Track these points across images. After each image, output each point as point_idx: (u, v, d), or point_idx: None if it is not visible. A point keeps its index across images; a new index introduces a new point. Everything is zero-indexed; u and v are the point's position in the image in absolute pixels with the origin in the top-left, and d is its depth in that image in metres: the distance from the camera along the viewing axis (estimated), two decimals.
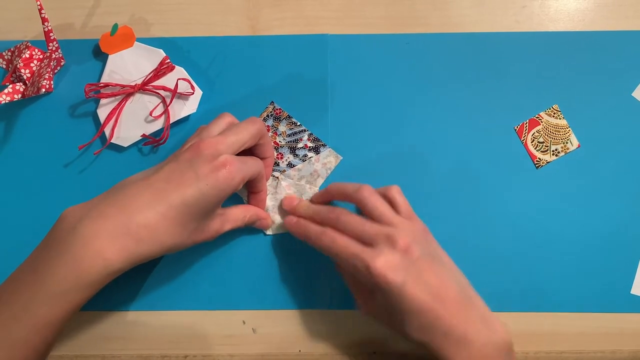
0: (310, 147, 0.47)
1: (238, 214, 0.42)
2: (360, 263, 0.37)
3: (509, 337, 0.37)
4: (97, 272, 0.34)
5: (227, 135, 0.39)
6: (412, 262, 0.37)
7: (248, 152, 0.42)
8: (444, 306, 0.36)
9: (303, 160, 0.46)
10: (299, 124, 0.47)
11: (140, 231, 0.35)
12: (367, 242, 0.38)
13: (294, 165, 0.46)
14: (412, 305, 0.36)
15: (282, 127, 0.47)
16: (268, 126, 0.47)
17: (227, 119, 0.42)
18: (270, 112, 0.47)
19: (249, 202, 0.45)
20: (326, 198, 0.44)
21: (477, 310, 0.38)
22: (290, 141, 0.47)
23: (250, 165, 0.40)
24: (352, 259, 0.37)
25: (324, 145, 0.47)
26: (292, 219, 0.43)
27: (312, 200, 0.45)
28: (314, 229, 0.41)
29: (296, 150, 0.47)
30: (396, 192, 0.41)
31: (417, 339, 0.37)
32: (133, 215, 0.35)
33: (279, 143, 0.47)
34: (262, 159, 0.43)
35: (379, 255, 0.37)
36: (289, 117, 0.47)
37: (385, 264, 0.36)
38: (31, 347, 0.35)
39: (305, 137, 0.47)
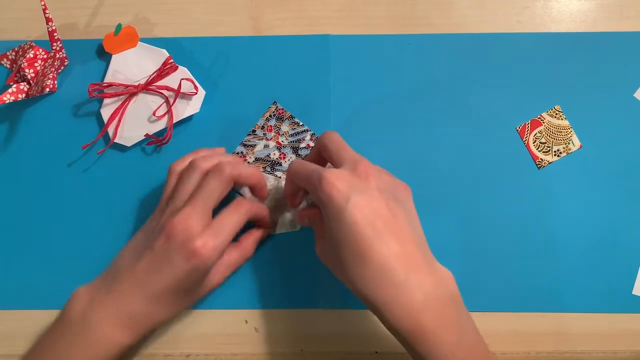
0: (312, 147, 0.47)
1: (235, 259, 0.43)
2: (316, 175, 0.35)
3: (456, 288, 0.35)
4: (110, 353, 0.38)
5: (193, 204, 0.38)
6: (366, 188, 0.35)
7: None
8: (387, 238, 0.33)
9: None
10: (301, 124, 0.47)
11: (135, 317, 0.38)
12: (337, 164, 0.37)
13: None
14: (351, 223, 0.33)
15: (285, 127, 0.47)
16: (270, 126, 0.47)
17: (200, 162, 0.41)
18: (273, 112, 0.47)
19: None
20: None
21: (428, 261, 0.35)
22: (293, 141, 0.47)
23: (227, 230, 0.39)
24: (309, 176, 0.36)
25: None
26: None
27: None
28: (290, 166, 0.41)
29: (299, 150, 0.47)
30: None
31: (353, 280, 0.34)
32: (126, 305, 0.38)
33: (282, 143, 0.47)
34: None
35: (335, 170, 0.35)
36: (292, 117, 0.47)
37: (335, 178, 0.34)
38: None
39: (308, 137, 0.47)
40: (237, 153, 0.47)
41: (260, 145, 0.47)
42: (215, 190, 0.39)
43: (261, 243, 0.45)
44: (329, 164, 0.41)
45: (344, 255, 0.34)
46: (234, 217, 0.40)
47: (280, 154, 0.47)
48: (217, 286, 0.42)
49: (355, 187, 0.35)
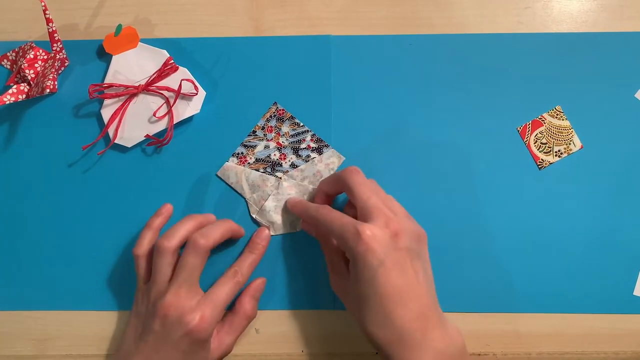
0: (313, 147, 0.47)
1: (241, 325, 0.43)
2: (352, 228, 0.37)
3: (463, 344, 0.38)
4: None
5: (177, 283, 0.39)
6: (396, 248, 0.37)
7: None
8: (410, 302, 0.36)
9: (306, 161, 0.46)
10: (302, 124, 0.47)
11: None
12: (365, 214, 0.39)
13: (297, 166, 0.46)
14: (382, 285, 0.36)
15: (285, 128, 0.47)
16: (270, 127, 0.47)
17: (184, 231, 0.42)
18: (273, 112, 0.47)
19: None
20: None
21: (440, 319, 0.38)
22: (294, 142, 0.47)
23: (221, 297, 0.40)
24: (344, 227, 0.38)
25: (327, 146, 0.47)
26: (295, 199, 0.45)
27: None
28: (313, 205, 0.43)
29: (299, 151, 0.47)
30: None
31: (373, 334, 0.37)
32: None
33: (282, 144, 0.47)
34: None
35: (370, 226, 0.37)
36: (292, 117, 0.47)
37: (373, 235, 0.37)
38: None
39: (308, 137, 0.47)
40: (238, 154, 0.47)
41: (260, 146, 0.47)
42: (195, 266, 0.40)
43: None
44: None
45: (367, 311, 0.37)
46: (227, 287, 0.41)
47: (280, 155, 0.47)
48: (228, 351, 0.43)
49: (388, 249, 0.37)
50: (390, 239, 0.37)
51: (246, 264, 0.43)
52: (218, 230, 0.42)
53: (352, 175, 0.41)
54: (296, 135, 0.47)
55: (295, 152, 0.47)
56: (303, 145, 0.47)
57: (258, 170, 0.46)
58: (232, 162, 0.47)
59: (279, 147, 0.47)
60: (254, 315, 0.44)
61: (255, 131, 0.47)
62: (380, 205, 0.39)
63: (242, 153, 0.47)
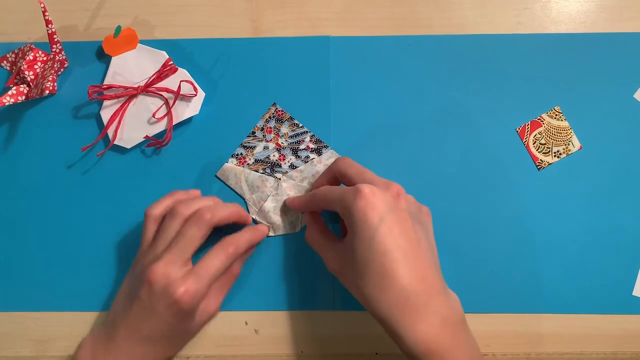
0: (312, 148, 0.47)
1: (229, 279, 0.44)
2: (351, 192, 0.36)
3: (462, 311, 0.37)
4: None
5: (172, 251, 0.39)
6: (397, 207, 0.36)
7: None
8: (412, 263, 0.35)
9: (305, 162, 0.47)
10: (301, 125, 0.47)
11: (136, 357, 0.40)
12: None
13: (296, 167, 0.46)
14: (381, 246, 0.35)
15: (284, 129, 0.47)
16: (270, 128, 0.47)
17: (169, 201, 0.43)
18: (273, 113, 0.47)
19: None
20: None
21: (443, 286, 0.36)
22: (293, 142, 0.47)
23: (211, 272, 0.39)
24: (344, 191, 0.37)
25: (326, 147, 0.47)
26: (292, 197, 0.45)
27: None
28: (309, 193, 0.42)
29: (298, 152, 0.47)
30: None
31: (374, 299, 0.35)
32: (124, 350, 0.40)
33: (282, 145, 0.47)
34: None
35: (371, 186, 0.36)
36: (291, 118, 0.47)
37: (372, 194, 0.36)
38: None
39: (307, 138, 0.47)
40: (237, 155, 0.47)
41: (259, 147, 0.47)
42: (194, 238, 0.40)
43: (259, 246, 0.46)
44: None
45: (368, 275, 0.35)
46: (218, 259, 0.40)
47: (279, 156, 0.47)
48: (215, 314, 0.44)
49: (388, 206, 0.36)
50: (391, 198, 0.36)
51: (244, 239, 0.42)
52: (226, 210, 0.42)
53: (342, 161, 0.41)
54: (295, 136, 0.47)
55: (295, 153, 0.47)
56: (302, 146, 0.47)
57: (257, 171, 0.46)
58: (231, 163, 0.47)
59: (278, 148, 0.47)
60: (238, 275, 0.44)
61: (255, 132, 0.47)
62: (378, 177, 0.39)
63: (241, 154, 0.47)
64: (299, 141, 0.47)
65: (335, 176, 0.42)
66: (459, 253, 0.45)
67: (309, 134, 0.47)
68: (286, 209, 0.46)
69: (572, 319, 0.45)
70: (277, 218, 0.46)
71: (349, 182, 0.40)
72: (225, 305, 0.45)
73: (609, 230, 0.46)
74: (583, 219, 0.46)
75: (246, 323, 0.45)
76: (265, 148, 0.47)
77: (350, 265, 0.37)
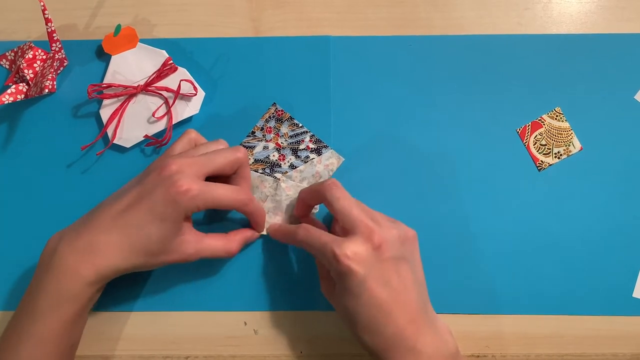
0: (312, 148, 0.47)
1: (219, 245, 0.41)
2: (329, 250, 0.37)
3: (456, 346, 0.38)
4: (74, 285, 0.38)
5: (197, 157, 0.40)
6: (379, 260, 0.37)
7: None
8: (399, 310, 0.37)
9: (305, 162, 0.46)
10: (300, 125, 0.47)
11: (103, 248, 0.38)
12: (348, 228, 0.38)
13: (296, 167, 0.46)
14: (368, 300, 0.36)
15: (284, 129, 0.47)
16: (269, 128, 0.47)
17: (191, 135, 0.43)
18: (272, 113, 0.47)
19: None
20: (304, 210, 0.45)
21: (430, 321, 0.38)
22: (292, 142, 0.47)
23: (218, 193, 0.39)
24: (323, 248, 0.38)
25: (326, 147, 0.47)
26: (274, 225, 0.44)
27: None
28: (292, 227, 0.42)
29: (298, 152, 0.47)
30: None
31: (366, 342, 0.37)
32: (97, 234, 0.38)
33: (281, 144, 0.47)
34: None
35: (349, 244, 0.37)
36: (291, 118, 0.47)
37: (352, 254, 0.37)
38: None
39: (307, 138, 0.47)
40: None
41: (259, 147, 0.47)
42: (221, 158, 0.40)
43: (249, 245, 0.45)
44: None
45: (356, 322, 0.37)
46: (228, 191, 0.40)
47: (279, 156, 0.47)
48: (188, 260, 0.40)
49: (370, 265, 0.37)
50: (373, 252, 0.37)
51: (257, 203, 0.42)
52: (249, 181, 0.43)
53: (331, 189, 0.40)
54: (295, 136, 0.47)
55: (294, 153, 0.47)
56: (302, 146, 0.47)
57: (257, 171, 0.46)
58: None
59: (278, 148, 0.47)
60: (234, 252, 0.42)
61: (254, 132, 0.47)
62: (363, 217, 0.38)
63: None
64: (299, 141, 0.47)
65: (321, 199, 0.41)
66: (459, 254, 0.45)
67: (308, 134, 0.47)
68: (285, 210, 0.46)
69: (572, 320, 0.45)
70: (275, 219, 0.46)
71: (335, 216, 0.40)
72: (224, 305, 0.45)
73: (609, 232, 0.45)
74: (583, 220, 0.46)
75: (245, 323, 0.45)
76: (265, 148, 0.47)
77: (341, 309, 0.39)
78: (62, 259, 0.38)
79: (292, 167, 0.46)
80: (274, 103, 0.47)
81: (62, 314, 0.37)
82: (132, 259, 0.39)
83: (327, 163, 0.46)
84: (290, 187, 0.46)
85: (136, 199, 0.38)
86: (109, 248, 0.38)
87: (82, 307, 0.38)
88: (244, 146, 0.47)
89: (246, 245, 0.45)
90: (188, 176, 0.38)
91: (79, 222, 0.40)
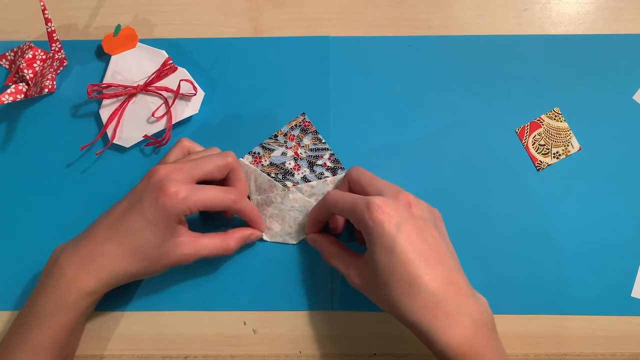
0: (329, 166, 0.46)
1: (216, 242, 0.41)
2: (361, 203, 0.36)
3: (491, 314, 0.37)
4: (72, 295, 0.38)
5: (185, 163, 0.40)
6: (411, 216, 0.36)
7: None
8: (438, 266, 0.35)
9: (319, 178, 0.46)
10: (323, 141, 0.47)
11: (102, 259, 0.39)
12: (374, 194, 0.38)
13: (308, 180, 0.46)
14: (402, 255, 0.35)
15: (307, 140, 0.47)
16: (293, 135, 0.47)
17: (183, 143, 0.44)
18: (299, 122, 0.47)
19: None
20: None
21: (471, 289, 0.36)
22: (311, 156, 0.46)
23: (206, 194, 0.39)
24: (355, 201, 0.37)
25: (342, 168, 0.46)
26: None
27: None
28: (318, 202, 0.43)
29: (314, 166, 0.46)
30: None
31: (402, 307, 0.35)
32: (96, 246, 0.39)
33: (300, 155, 0.46)
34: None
35: (381, 197, 0.36)
36: (316, 132, 0.47)
37: (384, 205, 0.36)
38: None
39: (327, 155, 0.46)
40: (254, 153, 0.46)
41: (278, 152, 0.46)
42: (208, 165, 0.41)
43: (251, 245, 0.45)
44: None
45: (394, 285, 0.35)
46: (218, 192, 0.40)
47: (295, 165, 0.46)
48: (187, 261, 0.40)
49: (402, 216, 0.36)
50: (403, 207, 0.37)
51: (248, 201, 0.43)
52: (244, 182, 0.44)
53: (355, 170, 0.42)
54: (315, 150, 0.47)
55: (310, 167, 0.46)
56: (319, 162, 0.46)
57: (269, 174, 0.46)
58: (246, 160, 0.46)
59: (296, 158, 0.46)
60: (231, 250, 0.42)
61: (277, 135, 0.47)
62: (389, 184, 0.39)
63: (258, 153, 0.46)
64: (318, 156, 0.46)
65: (349, 186, 0.42)
66: (458, 254, 0.45)
67: (328, 152, 0.46)
68: (287, 219, 0.46)
69: (570, 320, 0.45)
70: (275, 225, 0.46)
71: (361, 189, 0.40)
72: (223, 305, 0.45)
73: (607, 232, 0.46)
74: (582, 220, 0.46)
75: (244, 323, 0.45)
76: (284, 154, 0.46)
77: (374, 278, 0.37)
78: (62, 270, 0.39)
79: (305, 179, 0.46)
80: (303, 113, 0.47)
81: (58, 321, 0.38)
82: (131, 265, 0.39)
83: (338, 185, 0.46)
84: (297, 200, 0.46)
85: (128, 206, 0.39)
86: (107, 257, 0.39)
87: (78, 316, 0.39)
88: (264, 147, 0.47)
89: (246, 244, 0.45)
90: (175, 180, 0.39)
91: (79, 235, 0.41)
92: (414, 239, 0.35)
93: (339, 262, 0.41)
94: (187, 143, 0.44)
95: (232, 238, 0.42)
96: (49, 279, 0.39)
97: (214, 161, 0.41)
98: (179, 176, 0.39)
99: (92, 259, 0.39)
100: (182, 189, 0.38)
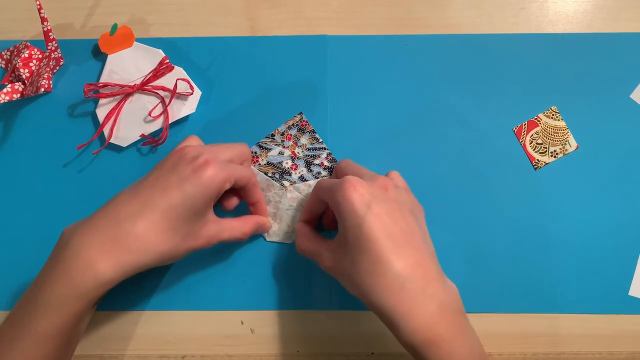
0: (326, 166, 0.46)
1: (235, 226, 0.42)
2: (336, 184, 0.36)
3: (460, 301, 0.36)
4: (87, 283, 0.34)
5: (210, 145, 0.42)
6: (385, 198, 0.36)
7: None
8: (406, 248, 0.34)
9: (316, 177, 0.46)
10: (320, 140, 0.47)
11: (129, 240, 0.35)
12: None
13: (305, 180, 0.46)
14: (370, 233, 0.34)
15: (304, 140, 0.47)
16: (290, 134, 0.47)
17: (192, 138, 0.43)
18: (297, 121, 0.47)
19: (250, 213, 0.45)
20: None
21: (440, 275, 0.35)
22: (308, 155, 0.46)
23: (236, 168, 0.40)
24: (332, 183, 0.37)
25: None
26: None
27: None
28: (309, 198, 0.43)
29: (311, 166, 0.46)
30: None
31: (368, 288, 0.34)
32: (122, 225, 0.35)
33: (297, 154, 0.46)
34: (250, 204, 0.44)
35: (356, 178, 0.36)
36: (313, 131, 0.47)
37: (358, 184, 0.35)
38: None
39: (324, 155, 0.46)
40: (252, 152, 0.46)
41: (275, 151, 0.46)
42: (234, 149, 0.42)
43: (256, 246, 0.45)
44: None
45: (360, 264, 0.34)
46: (241, 167, 0.41)
47: (292, 165, 0.46)
48: (209, 243, 0.39)
49: (375, 196, 0.35)
50: (378, 189, 0.36)
51: (259, 190, 0.44)
52: (258, 189, 0.44)
53: (343, 162, 0.43)
54: (313, 150, 0.46)
55: (308, 166, 0.46)
56: (317, 161, 0.46)
57: (267, 174, 0.46)
58: None
59: (293, 157, 0.46)
60: (245, 239, 0.43)
61: (274, 135, 0.47)
62: (374, 173, 0.39)
63: (255, 152, 0.46)
64: (315, 156, 0.46)
65: (337, 177, 0.43)
66: (455, 252, 0.45)
67: (326, 151, 0.46)
68: (284, 219, 0.45)
69: (568, 318, 0.45)
70: (273, 224, 0.46)
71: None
72: (220, 305, 0.45)
73: (605, 230, 0.46)
74: (579, 219, 0.46)
75: (242, 322, 0.45)
76: (281, 153, 0.46)
77: (343, 258, 0.36)
78: (78, 253, 0.35)
79: (302, 179, 0.46)
80: (301, 112, 0.47)
81: (69, 311, 0.34)
82: (163, 244, 0.36)
83: None
84: (295, 199, 0.46)
85: (161, 180, 0.37)
86: (135, 237, 0.35)
87: (90, 304, 0.35)
88: (261, 146, 0.46)
89: (256, 233, 0.45)
90: (212, 157, 0.38)
91: (95, 213, 0.37)
92: (385, 219, 0.34)
93: (312, 245, 0.40)
94: (196, 140, 0.43)
95: (248, 222, 0.43)
96: (59, 262, 0.35)
97: (237, 148, 0.42)
98: (211, 155, 0.38)
99: (116, 242, 0.35)
100: (219, 165, 0.38)
